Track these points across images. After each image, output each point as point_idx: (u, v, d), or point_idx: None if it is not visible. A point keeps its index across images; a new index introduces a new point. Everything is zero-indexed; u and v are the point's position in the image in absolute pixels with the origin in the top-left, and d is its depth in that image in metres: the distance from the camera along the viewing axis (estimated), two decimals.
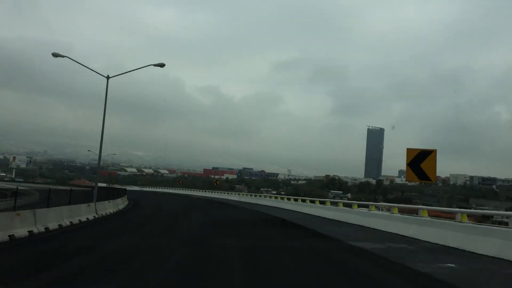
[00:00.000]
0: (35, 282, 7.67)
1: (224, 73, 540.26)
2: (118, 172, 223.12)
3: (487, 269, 11.12)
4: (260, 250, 12.98)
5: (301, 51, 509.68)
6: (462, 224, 15.49)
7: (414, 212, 28.91)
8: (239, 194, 64.87)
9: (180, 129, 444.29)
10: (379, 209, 28.13)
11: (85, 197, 25.62)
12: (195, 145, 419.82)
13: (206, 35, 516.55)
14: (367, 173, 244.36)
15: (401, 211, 24.94)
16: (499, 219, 41.29)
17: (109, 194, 29.22)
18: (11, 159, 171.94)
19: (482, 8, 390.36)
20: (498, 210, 57.60)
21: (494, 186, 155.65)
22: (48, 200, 18.29)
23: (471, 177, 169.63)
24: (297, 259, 11.84)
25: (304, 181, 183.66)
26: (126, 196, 39.71)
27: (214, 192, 74.43)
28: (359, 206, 28.40)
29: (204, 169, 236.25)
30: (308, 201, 36.62)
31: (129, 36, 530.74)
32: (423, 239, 16.35)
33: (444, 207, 46.43)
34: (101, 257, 10.83)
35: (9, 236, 12.52)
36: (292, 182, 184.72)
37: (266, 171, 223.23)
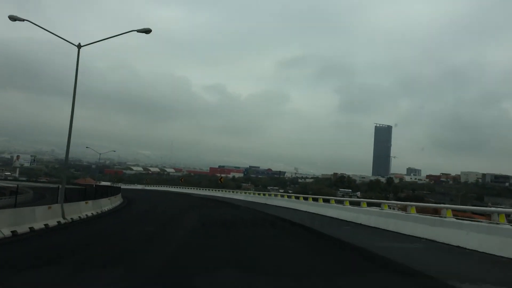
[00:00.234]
0: None
1: (230, 71, 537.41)
2: (124, 171, 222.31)
3: None
4: None
5: (307, 48, 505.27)
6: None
7: (430, 212, 26.10)
8: (245, 193, 60.25)
9: (187, 128, 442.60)
10: (403, 210, 25.28)
11: (76, 196, 23.09)
12: (202, 143, 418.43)
13: (212, 33, 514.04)
14: (374, 171, 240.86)
15: (422, 211, 22.05)
16: None
17: (96, 193, 26.19)
18: (14, 157, 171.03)
19: (488, 2, 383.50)
20: None
21: (507, 184, 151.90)
22: None
23: (483, 175, 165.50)
24: None
25: (311, 180, 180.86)
26: (120, 195, 37.08)
27: (218, 190, 70.56)
28: (371, 205, 25.52)
29: (211, 168, 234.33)
30: (334, 202, 30.37)
31: (135, 35, 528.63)
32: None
33: (458, 205, 43.26)
34: None
35: None
36: (300, 180, 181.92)
37: (273, 169, 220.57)
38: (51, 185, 51.06)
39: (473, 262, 11.95)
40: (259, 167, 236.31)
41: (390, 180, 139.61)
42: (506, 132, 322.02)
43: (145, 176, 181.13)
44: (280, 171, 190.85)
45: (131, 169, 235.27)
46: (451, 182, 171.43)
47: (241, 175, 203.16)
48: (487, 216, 19.51)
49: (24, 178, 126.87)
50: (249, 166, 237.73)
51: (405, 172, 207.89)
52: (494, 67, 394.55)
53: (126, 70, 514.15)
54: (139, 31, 21.01)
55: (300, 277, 8.84)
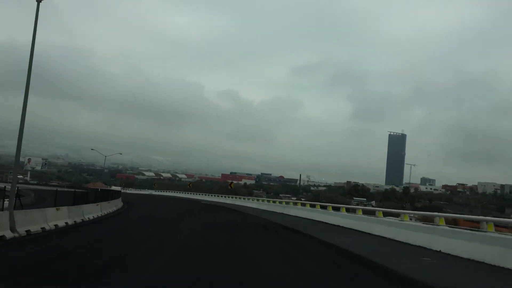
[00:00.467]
0: None
1: (243, 77, 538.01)
2: (136, 176, 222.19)
3: None
4: None
5: (320, 55, 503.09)
6: None
7: (462, 224, 23.57)
8: (257, 200, 56.15)
9: (199, 134, 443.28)
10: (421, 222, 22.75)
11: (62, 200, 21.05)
12: (214, 149, 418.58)
13: (225, 39, 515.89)
14: (388, 180, 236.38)
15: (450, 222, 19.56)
16: None
17: (89, 197, 23.79)
18: (26, 161, 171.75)
19: (504, 11, 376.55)
20: None
21: None
22: None
23: (502, 186, 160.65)
24: None
25: (324, 188, 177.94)
26: (119, 199, 35.04)
27: (229, 197, 67.22)
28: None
29: (222, 174, 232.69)
30: (361, 212, 25.46)
31: (148, 41, 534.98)
32: None
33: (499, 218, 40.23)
34: None
35: None
36: (312, 188, 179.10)
37: (285, 176, 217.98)
38: (62, 189, 49.70)
39: None
40: (270, 174, 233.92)
41: (406, 190, 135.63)
42: None
43: (156, 182, 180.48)
44: (296, 179, 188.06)
45: (143, 174, 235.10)
46: (468, 192, 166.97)
47: (253, 182, 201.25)
48: None
49: (34, 182, 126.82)
50: (261, 173, 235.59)
51: (419, 182, 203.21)
52: (511, 75, 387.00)
53: (140, 75, 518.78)
54: None
55: None
